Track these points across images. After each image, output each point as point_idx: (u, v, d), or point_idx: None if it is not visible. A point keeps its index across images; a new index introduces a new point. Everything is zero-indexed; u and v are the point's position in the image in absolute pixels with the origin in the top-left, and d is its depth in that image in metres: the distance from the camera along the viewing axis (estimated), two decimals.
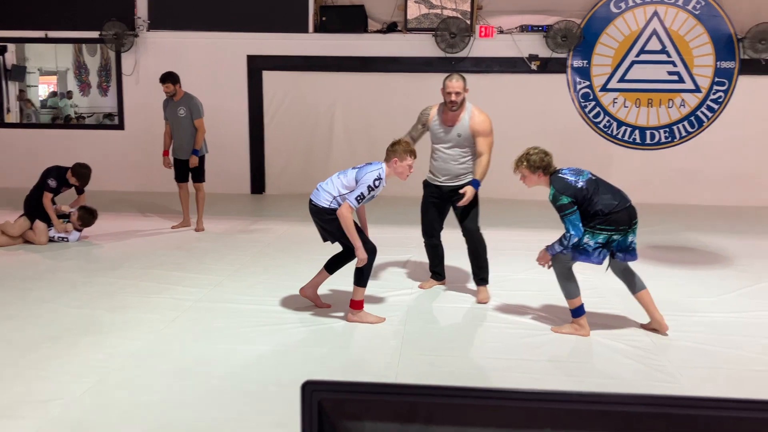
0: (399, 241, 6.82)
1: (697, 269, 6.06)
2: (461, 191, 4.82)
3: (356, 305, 4.57)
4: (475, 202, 4.91)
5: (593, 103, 9.46)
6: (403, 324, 4.58)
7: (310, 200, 4.57)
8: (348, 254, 4.63)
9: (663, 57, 9.31)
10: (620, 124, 9.49)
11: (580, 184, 4.18)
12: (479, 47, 9.37)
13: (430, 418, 0.79)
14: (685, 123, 9.40)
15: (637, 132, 9.49)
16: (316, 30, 9.54)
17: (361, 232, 4.54)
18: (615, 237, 4.18)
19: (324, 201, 4.47)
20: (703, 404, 0.74)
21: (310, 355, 4.07)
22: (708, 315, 4.82)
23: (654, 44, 9.29)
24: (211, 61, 9.63)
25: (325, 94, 9.66)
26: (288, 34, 9.50)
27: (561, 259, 4.29)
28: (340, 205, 4.39)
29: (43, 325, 4.44)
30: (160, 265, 5.92)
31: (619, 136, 9.52)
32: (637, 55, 9.33)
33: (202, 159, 7.31)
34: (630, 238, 4.23)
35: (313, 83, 9.65)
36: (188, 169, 7.32)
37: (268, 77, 9.74)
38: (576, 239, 4.12)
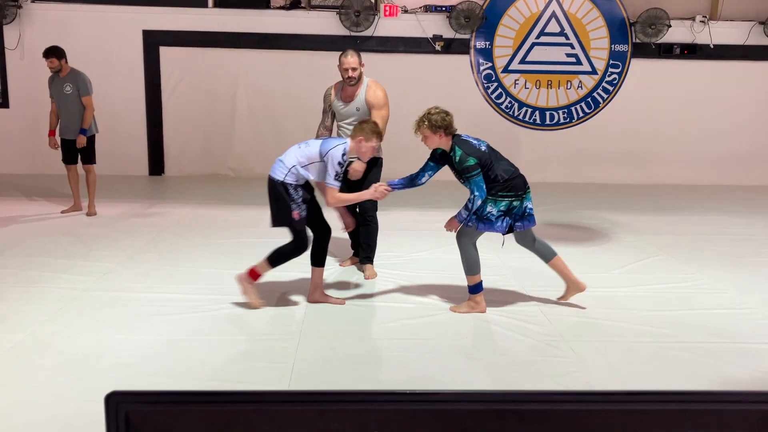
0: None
1: (589, 246, 6.28)
2: (349, 168, 4.76)
3: (253, 275, 4.44)
4: (369, 180, 4.90)
5: (495, 84, 9.61)
6: (304, 308, 4.51)
7: (269, 176, 4.36)
8: (317, 238, 4.50)
9: (562, 39, 9.55)
10: (521, 105, 9.69)
11: (483, 148, 4.29)
12: (384, 26, 9.31)
13: (250, 427, 0.72)
14: (583, 104, 9.71)
15: (537, 113, 9.72)
16: (216, 5, 9.20)
17: (318, 213, 4.48)
18: (515, 203, 4.28)
19: (278, 173, 4.29)
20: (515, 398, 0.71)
21: (203, 344, 3.92)
22: (598, 290, 4.99)
23: (553, 26, 9.51)
24: (103, 36, 9.12)
25: (226, 71, 9.37)
26: (186, 8, 9.12)
27: (467, 232, 4.34)
28: (295, 178, 4.25)
29: None
30: (45, 252, 5.58)
31: (521, 117, 9.73)
32: (537, 37, 9.52)
33: (91, 139, 6.93)
34: (525, 204, 4.33)
35: (213, 60, 9.33)
36: (77, 149, 6.93)
37: (166, 53, 9.33)
38: (480, 201, 4.18)
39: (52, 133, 6.99)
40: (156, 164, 9.58)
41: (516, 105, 9.69)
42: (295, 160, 4.27)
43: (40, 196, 7.89)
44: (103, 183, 7.36)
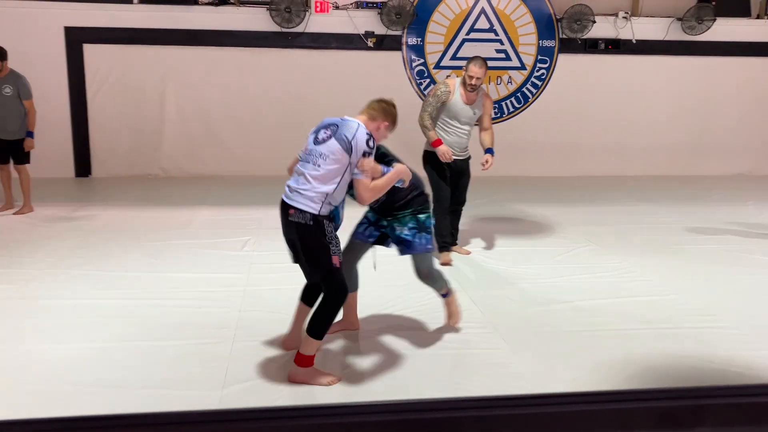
0: (237, 223, 6.63)
1: (520, 238, 6.41)
2: (486, 159, 5.43)
3: (305, 361, 3.43)
4: (470, 174, 5.66)
5: (428, 80, 9.68)
6: (238, 310, 4.45)
7: (286, 207, 3.39)
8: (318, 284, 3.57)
9: (491, 35, 9.70)
10: None
11: None
12: (316, 23, 9.25)
13: None
14: (513, 99, 9.90)
15: None
16: (142, 1, 8.95)
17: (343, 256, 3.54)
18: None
19: (309, 205, 3.33)
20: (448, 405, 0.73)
21: (134, 351, 3.83)
22: (529, 281, 5.11)
23: (483, 23, 9.64)
24: (21, 33, 8.74)
25: (153, 68, 9.12)
26: (110, 4, 8.83)
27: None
28: (330, 206, 3.38)
29: None
30: None
31: None
32: (468, 33, 9.64)
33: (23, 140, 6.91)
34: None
35: (139, 57, 9.07)
36: (10, 149, 6.90)
37: (90, 51, 9.01)
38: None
39: None
40: (82, 165, 9.26)
41: None
42: (327, 179, 3.33)
43: None
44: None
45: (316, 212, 3.33)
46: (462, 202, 5.73)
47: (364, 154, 3.34)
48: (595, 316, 4.47)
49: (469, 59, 5.41)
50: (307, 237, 3.35)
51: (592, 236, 6.46)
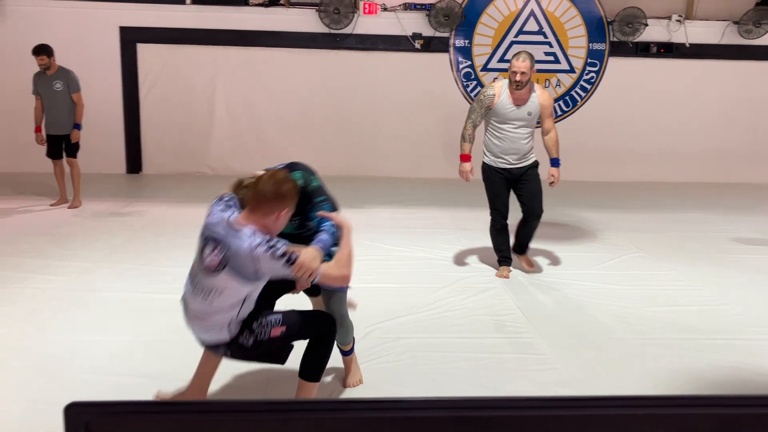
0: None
1: (566, 243, 6.32)
2: (550, 174, 5.00)
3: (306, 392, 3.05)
4: (539, 181, 5.09)
5: (475, 82, 9.63)
6: (279, 306, 4.48)
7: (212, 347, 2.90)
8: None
9: (540, 38, 9.60)
10: None
11: None
12: (364, 24, 9.29)
13: None
14: (561, 102, 9.77)
15: None
16: (194, 1, 9.13)
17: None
18: None
19: (222, 335, 2.78)
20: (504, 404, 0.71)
21: (179, 344, 3.89)
22: (574, 287, 5.03)
23: (532, 25, 9.55)
24: (79, 33, 9.01)
25: (204, 68, 9.30)
26: (164, 5, 9.04)
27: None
28: (238, 323, 2.77)
29: None
30: (21, 252, 5.50)
31: None
32: (516, 36, 9.56)
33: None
34: None
35: (191, 57, 9.25)
36: (63, 144, 7.09)
37: (143, 50, 9.24)
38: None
39: (38, 129, 7.13)
40: (133, 162, 9.49)
41: None
42: (225, 309, 2.72)
43: (24, 192, 7.77)
44: (81, 181, 7.29)
45: (228, 337, 2.77)
46: (534, 212, 5.10)
47: (278, 260, 2.58)
48: (643, 324, 4.38)
49: (513, 55, 4.94)
50: (238, 351, 2.84)
51: (640, 243, 6.33)
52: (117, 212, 7.05)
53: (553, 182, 5.03)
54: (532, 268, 5.35)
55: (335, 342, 3.06)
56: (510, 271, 5.27)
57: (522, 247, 5.34)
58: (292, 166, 3.03)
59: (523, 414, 0.71)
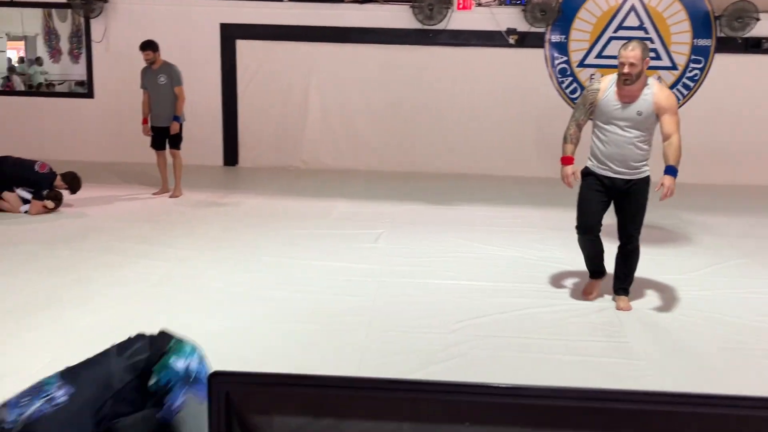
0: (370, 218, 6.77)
1: (666, 247, 6.07)
2: (660, 182, 4.15)
3: None
4: (644, 201, 4.34)
5: (570, 78, 9.40)
6: (371, 300, 4.54)
7: None
8: None
9: (641, 33, 9.23)
10: None
11: None
12: (457, 20, 9.23)
13: (344, 411, 0.73)
14: None
15: None
16: None
17: None
18: None
19: None
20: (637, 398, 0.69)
21: (274, 331, 4.01)
22: (673, 292, 4.83)
23: (632, 20, 9.21)
24: (182, 29, 9.40)
25: (300, 64, 9.50)
26: (262, 2, 9.30)
27: None
28: None
29: None
30: (126, 238, 5.81)
31: None
32: (615, 31, 9.25)
33: (180, 126, 7.41)
34: None
35: (287, 53, 9.47)
36: (166, 136, 7.41)
37: (242, 46, 9.54)
38: None
39: (145, 121, 7.50)
40: (231, 155, 9.82)
41: None
42: None
43: (126, 181, 8.20)
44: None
45: None
46: (628, 236, 4.36)
47: None
48: (746, 334, 4.15)
49: (622, 44, 4.26)
50: None
51: (744, 249, 6.00)
52: (215, 202, 7.33)
53: (663, 194, 4.17)
54: (626, 309, 4.48)
55: None
56: (593, 293, 4.63)
57: (621, 282, 4.51)
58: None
59: (655, 409, 0.69)
